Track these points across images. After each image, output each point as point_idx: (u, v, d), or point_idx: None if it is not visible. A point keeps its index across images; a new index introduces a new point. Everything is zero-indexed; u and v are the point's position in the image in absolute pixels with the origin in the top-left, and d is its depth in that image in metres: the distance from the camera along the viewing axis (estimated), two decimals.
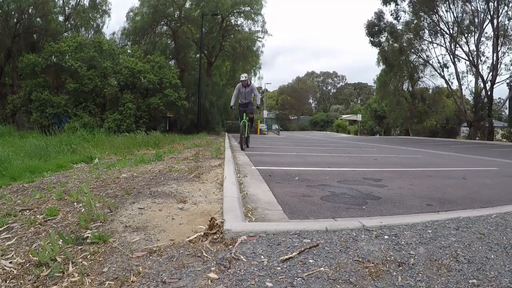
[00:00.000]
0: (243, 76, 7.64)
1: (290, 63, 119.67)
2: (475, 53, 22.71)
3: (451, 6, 22.89)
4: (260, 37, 22.72)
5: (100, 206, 2.41)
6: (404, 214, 2.58)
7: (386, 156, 7.61)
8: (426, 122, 28.19)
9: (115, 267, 1.51)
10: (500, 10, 21.05)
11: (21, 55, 15.78)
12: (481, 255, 1.63)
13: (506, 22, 21.36)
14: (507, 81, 22.17)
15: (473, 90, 23.39)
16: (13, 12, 17.15)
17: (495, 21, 21.29)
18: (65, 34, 19.06)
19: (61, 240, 1.77)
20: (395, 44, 25.95)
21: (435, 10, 23.32)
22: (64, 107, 14.99)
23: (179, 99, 16.97)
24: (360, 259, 1.55)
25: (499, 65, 21.67)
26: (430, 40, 25.02)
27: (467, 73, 24.51)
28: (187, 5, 21.49)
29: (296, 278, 1.38)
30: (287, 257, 1.55)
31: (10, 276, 1.47)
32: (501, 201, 3.15)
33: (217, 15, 20.41)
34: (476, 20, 22.50)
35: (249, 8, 21.80)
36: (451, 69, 24.72)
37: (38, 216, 2.25)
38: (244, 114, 7.62)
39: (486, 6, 21.44)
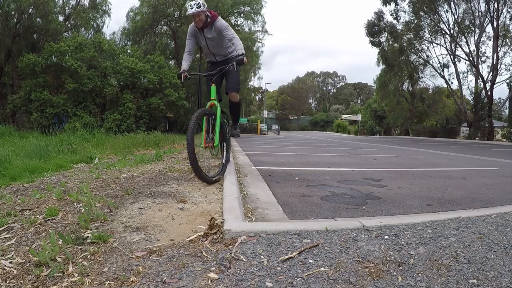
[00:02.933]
0: (191, 5, 3.32)
1: (290, 63, 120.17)
2: (475, 53, 22.74)
3: (451, 6, 22.91)
4: (260, 38, 22.78)
5: (100, 206, 2.41)
6: (404, 214, 2.58)
7: (386, 156, 7.61)
8: (426, 122, 28.22)
9: (115, 267, 1.50)
10: (501, 11, 21.07)
11: (21, 55, 15.80)
12: (481, 255, 1.63)
13: (507, 22, 21.40)
14: (507, 81, 22.21)
15: (473, 90, 23.44)
16: (13, 12, 17.15)
17: (495, 21, 21.31)
18: (65, 34, 19.07)
19: (61, 240, 1.77)
20: (395, 44, 25.98)
21: (435, 10, 23.33)
22: (64, 107, 15.01)
23: (179, 99, 16.99)
24: (360, 259, 1.55)
25: (499, 65, 21.72)
26: (430, 40, 25.07)
27: (467, 73, 24.59)
28: (187, 5, 21.53)
29: (296, 278, 1.38)
30: (287, 257, 1.55)
31: (10, 276, 1.47)
32: (501, 201, 3.15)
33: None
34: (477, 20, 22.52)
35: (249, 8, 21.85)
36: (451, 69, 24.78)
37: (38, 216, 2.25)
38: (213, 87, 3.47)
39: (486, 6, 21.45)
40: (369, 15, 49.53)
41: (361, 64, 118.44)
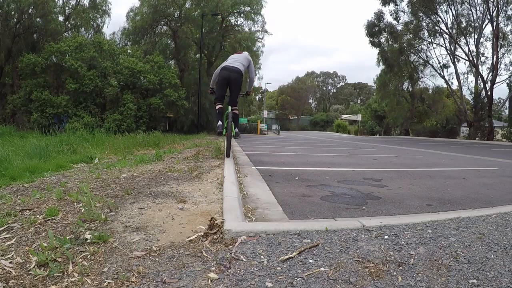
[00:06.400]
0: None
1: (284, 62, 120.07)
2: (475, 53, 22.72)
3: (450, 7, 22.91)
4: (260, 38, 22.77)
5: (100, 206, 2.41)
6: (404, 214, 2.58)
7: (386, 156, 7.61)
8: (426, 122, 28.21)
9: (115, 267, 1.50)
10: (500, 11, 21.06)
11: (21, 55, 15.80)
12: (481, 255, 1.63)
13: (505, 22, 21.39)
14: (507, 81, 22.19)
15: (473, 90, 23.41)
16: (13, 12, 17.16)
17: (494, 21, 21.30)
18: (65, 34, 19.08)
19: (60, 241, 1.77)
20: (395, 45, 25.97)
21: (434, 11, 23.33)
22: (64, 107, 15.00)
23: (179, 99, 16.99)
24: (360, 259, 1.55)
25: (499, 65, 21.70)
26: (429, 40, 25.05)
27: (467, 73, 24.56)
28: (187, 5, 21.51)
29: (296, 278, 1.38)
30: (287, 257, 1.55)
31: (10, 276, 1.47)
32: (501, 201, 3.15)
33: (217, 15, 20.42)
34: (476, 21, 22.52)
35: (249, 8, 21.83)
36: (451, 69, 24.79)
37: (38, 216, 2.25)
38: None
39: (485, 6, 21.45)
40: (369, 15, 49.50)
41: (360, 63, 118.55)
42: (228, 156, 4.88)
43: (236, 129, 5.11)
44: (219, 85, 4.91)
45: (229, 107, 4.91)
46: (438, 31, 24.12)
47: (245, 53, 5.27)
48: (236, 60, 4.94)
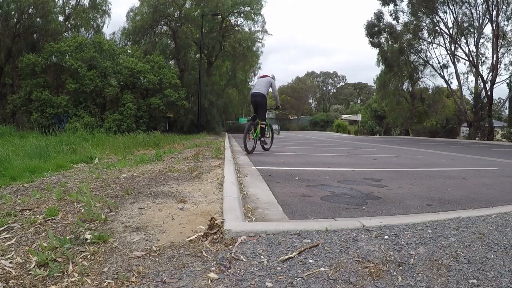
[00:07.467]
0: None
1: (283, 62, 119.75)
2: (475, 53, 22.72)
3: (450, 7, 22.91)
4: (260, 38, 22.74)
5: (100, 206, 2.41)
6: (404, 214, 2.58)
7: (386, 156, 7.61)
8: (426, 122, 28.20)
9: (115, 267, 1.51)
10: (500, 11, 21.06)
11: (21, 55, 15.79)
12: (481, 255, 1.63)
13: (505, 22, 21.41)
14: (507, 81, 22.19)
15: (473, 90, 23.40)
16: (13, 12, 17.15)
17: (494, 21, 21.30)
18: (65, 34, 19.07)
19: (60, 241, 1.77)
20: (395, 45, 25.95)
21: (434, 11, 23.33)
22: (64, 107, 15.00)
23: (179, 99, 16.98)
24: (360, 259, 1.55)
25: (499, 65, 21.69)
26: (429, 40, 25.04)
27: (467, 73, 24.56)
28: (187, 5, 21.50)
29: (296, 278, 1.38)
30: (287, 257, 1.55)
31: (10, 276, 1.47)
32: (501, 201, 3.15)
33: (217, 15, 20.40)
34: (476, 20, 22.53)
35: (249, 8, 21.79)
36: (451, 69, 24.80)
37: (38, 216, 2.25)
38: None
39: (485, 6, 21.45)
40: (365, 14, 49.37)
41: (360, 63, 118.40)
42: (248, 151, 6.42)
43: (263, 138, 6.94)
44: (252, 106, 6.99)
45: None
46: (438, 31, 24.12)
47: (269, 77, 6.94)
48: (260, 85, 6.79)
